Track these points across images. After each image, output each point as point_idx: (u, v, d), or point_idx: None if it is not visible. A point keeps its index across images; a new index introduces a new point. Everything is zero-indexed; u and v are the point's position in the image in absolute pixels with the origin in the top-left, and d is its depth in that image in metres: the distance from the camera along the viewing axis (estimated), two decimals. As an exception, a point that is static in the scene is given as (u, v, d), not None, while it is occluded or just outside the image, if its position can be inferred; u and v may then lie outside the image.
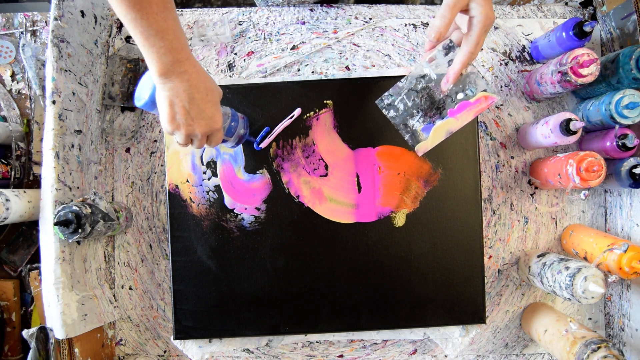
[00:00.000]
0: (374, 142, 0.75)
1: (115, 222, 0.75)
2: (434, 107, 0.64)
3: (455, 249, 0.75)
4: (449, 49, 0.60)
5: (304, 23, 0.85)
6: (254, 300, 0.74)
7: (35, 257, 0.80)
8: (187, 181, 0.75)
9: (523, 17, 0.86)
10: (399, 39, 0.85)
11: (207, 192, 0.75)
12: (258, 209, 0.75)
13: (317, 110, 0.75)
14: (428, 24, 0.85)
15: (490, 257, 0.84)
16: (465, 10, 0.53)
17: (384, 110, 0.65)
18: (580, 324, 0.71)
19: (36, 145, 0.82)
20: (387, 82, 0.75)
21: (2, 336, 0.79)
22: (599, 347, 0.63)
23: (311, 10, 0.85)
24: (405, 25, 0.85)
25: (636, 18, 0.75)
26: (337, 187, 0.75)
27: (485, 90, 0.62)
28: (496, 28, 0.85)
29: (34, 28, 0.84)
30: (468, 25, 0.54)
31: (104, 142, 0.84)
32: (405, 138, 0.65)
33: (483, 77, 0.63)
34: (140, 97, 0.58)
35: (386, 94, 0.64)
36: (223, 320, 0.74)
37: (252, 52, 0.85)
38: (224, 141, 0.67)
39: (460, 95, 0.63)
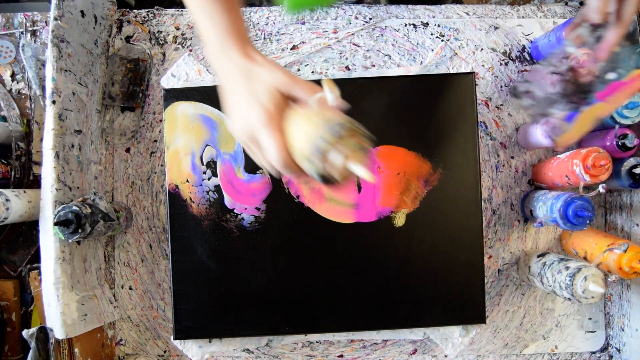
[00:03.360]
0: (374, 142, 0.75)
1: (115, 222, 0.75)
2: (579, 92, 0.55)
3: (455, 249, 0.75)
4: (596, 25, 0.53)
5: (304, 23, 0.85)
6: (254, 300, 0.74)
7: (35, 257, 0.80)
8: (187, 181, 0.75)
9: (523, 17, 0.86)
10: (399, 39, 0.85)
11: (207, 192, 0.75)
12: (258, 209, 0.75)
13: (317, 110, 0.75)
14: (428, 24, 0.85)
15: (490, 257, 0.84)
16: None
17: (517, 100, 0.57)
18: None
19: (36, 145, 0.82)
20: (387, 82, 0.75)
21: (2, 336, 0.78)
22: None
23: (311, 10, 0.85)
24: (405, 25, 0.85)
25: (636, 18, 0.75)
26: (337, 187, 0.75)
27: (639, 67, 0.55)
28: (496, 28, 0.85)
29: (34, 28, 0.84)
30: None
31: (104, 142, 0.84)
32: (544, 132, 0.56)
33: (638, 51, 0.55)
34: None
35: (520, 79, 0.56)
36: (223, 320, 0.74)
37: (252, 52, 0.85)
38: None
39: (611, 75, 0.55)
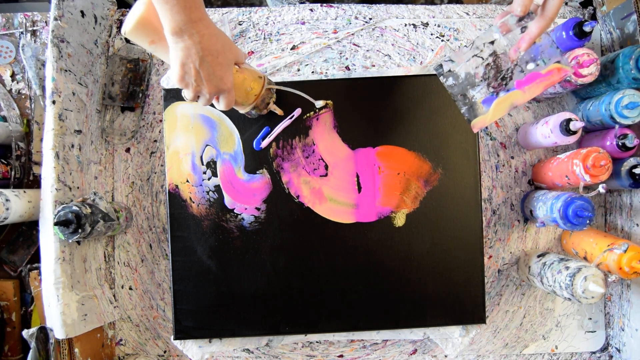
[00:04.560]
0: (374, 142, 0.75)
1: (115, 222, 0.75)
2: (500, 77, 0.58)
3: (455, 249, 0.75)
4: (522, 16, 0.55)
5: (304, 23, 0.85)
6: (254, 300, 0.74)
7: (35, 257, 0.80)
8: (187, 181, 0.75)
9: (523, 17, 0.86)
10: (399, 39, 0.85)
11: (207, 192, 0.75)
12: (258, 209, 0.75)
13: (317, 110, 0.75)
14: (428, 24, 0.85)
15: (490, 257, 0.84)
16: None
17: (441, 78, 0.59)
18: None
19: (36, 145, 0.82)
20: (387, 82, 0.75)
21: (2, 336, 0.78)
22: None
23: (311, 10, 0.85)
24: (405, 25, 0.85)
25: (636, 18, 0.75)
26: (337, 187, 0.75)
27: (559, 62, 0.57)
28: (496, 28, 0.85)
29: (34, 28, 0.84)
30: None
31: (104, 142, 0.84)
32: (462, 111, 0.59)
33: (558, 47, 0.58)
34: None
35: (446, 59, 0.58)
36: (223, 320, 0.74)
37: (252, 52, 0.85)
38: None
39: (530, 66, 0.57)
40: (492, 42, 0.58)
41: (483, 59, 0.58)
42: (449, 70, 0.59)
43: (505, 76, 0.58)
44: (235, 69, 0.61)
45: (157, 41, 0.57)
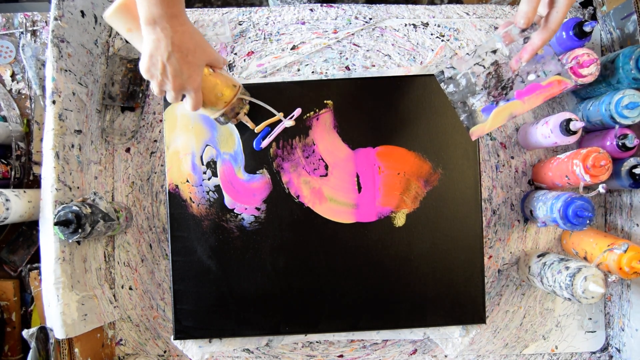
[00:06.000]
0: (374, 142, 0.75)
1: (115, 222, 0.75)
2: (500, 87, 0.58)
3: (455, 249, 0.75)
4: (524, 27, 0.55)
5: (304, 23, 0.85)
6: (254, 300, 0.74)
7: (35, 257, 0.80)
8: (187, 181, 0.75)
9: (523, 17, 0.86)
10: (399, 39, 0.85)
11: (207, 192, 0.75)
12: (258, 209, 0.75)
13: (317, 110, 0.75)
14: (428, 24, 0.85)
15: (490, 257, 0.84)
16: None
17: (442, 84, 0.59)
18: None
19: (36, 145, 0.82)
20: (387, 82, 0.75)
21: (2, 336, 0.78)
22: None
23: (311, 10, 0.85)
24: (405, 25, 0.85)
25: (636, 18, 0.75)
26: (337, 187, 0.75)
27: (559, 74, 0.58)
28: (496, 28, 0.85)
29: (34, 28, 0.84)
30: (550, 3, 0.53)
31: (104, 142, 0.84)
32: (461, 118, 0.59)
33: (559, 59, 0.58)
34: None
35: (448, 65, 0.59)
36: (223, 320, 0.74)
37: (252, 52, 0.85)
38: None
39: (531, 77, 0.58)
40: (494, 51, 0.58)
41: (485, 67, 0.58)
42: (450, 77, 0.59)
43: (506, 86, 0.58)
44: (208, 71, 0.61)
45: (134, 29, 0.58)
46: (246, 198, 0.75)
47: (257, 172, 0.75)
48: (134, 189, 0.84)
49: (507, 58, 0.58)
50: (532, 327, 0.84)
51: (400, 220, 0.75)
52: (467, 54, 0.59)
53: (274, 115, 0.71)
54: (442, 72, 0.60)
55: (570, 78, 0.58)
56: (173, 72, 0.55)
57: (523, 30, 0.56)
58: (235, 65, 0.84)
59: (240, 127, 0.74)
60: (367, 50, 0.85)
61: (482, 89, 0.59)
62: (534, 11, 0.53)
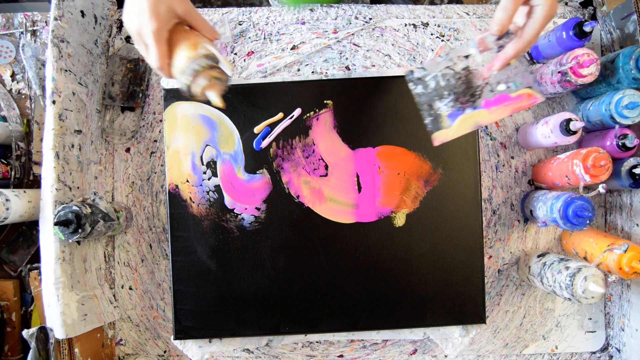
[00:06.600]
0: (374, 142, 0.75)
1: (115, 222, 0.75)
2: (469, 94, 0.57)
3: (455, 249, 0.75)
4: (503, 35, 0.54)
5: (304, 23, 0.85)
6: (254, 300, 0.74)
7: (35, 257, 0.80)
8: (187, 181, 0.75)
9: (523, 17, 0.86)
10: (399, 39, 0.85)
11: (207, 192, 0.75)
12: (258, 209, 0.75)
13: (317, 110, 0.75)
14: (428, 24, 0.85)
15: (490, 257, 0.84)
16: (526, 1, 0.53)
17: (410, 84, 0.58)
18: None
19: (36, 145, 0.82)
20: (387, 82, 0.75)
21: (2, 336, 0.78)
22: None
23: (311, 10, 0.85)
24: (405, 25, 0.85)
25: (636, 18, 0.75)
26: (337, 187, 0.75)
27: (530, 88, 0.56)
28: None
29: (34, 28, 0.84)
30: (528, 14, 0.53)
31: (104, 142, 0.84)
32: (426, 121, 0.58)
33: (532, 72, 0.57)
34: None
35: (419, 66, 0.57)
36: (223, 320, 0.74)
37: (252, 52, 0.85)
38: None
39: (501, 87, 0.56)
40: (466, 57, 0.57)
41: (455, 71, 0.57)
42: (419, 78, 0.58)
43: (475, 93, 0.57)
44: (183, 28, 0.57)
45: None
46: (246, 198, 0.75)
47: (257, 172, 0.75)
48: (134, 189, 0.84)
49: (480, 65, 0.56)
50: (532, 327, 0.84)
51: (400, 220, 0.75)
52: (440, 56, 0.57)
53: (275, 115, 0.70)
54: (412, 71, 0.58)
55: (540, 93, 0.56)
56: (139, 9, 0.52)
57: (499, 39, 0.55)
58: (235, 66, 0.84)
59: (240, 126, 0.74)
60: (367, 50, 0.85)
61: (449, 93, 0.57)
62: (509, 20, 0.52)
